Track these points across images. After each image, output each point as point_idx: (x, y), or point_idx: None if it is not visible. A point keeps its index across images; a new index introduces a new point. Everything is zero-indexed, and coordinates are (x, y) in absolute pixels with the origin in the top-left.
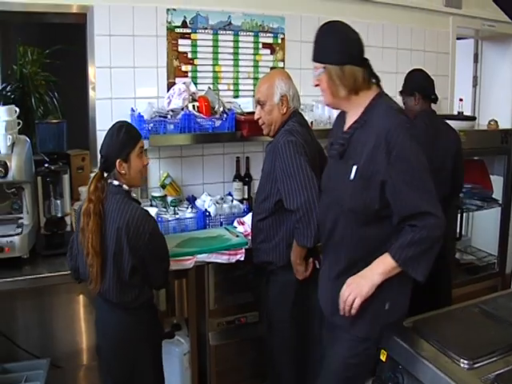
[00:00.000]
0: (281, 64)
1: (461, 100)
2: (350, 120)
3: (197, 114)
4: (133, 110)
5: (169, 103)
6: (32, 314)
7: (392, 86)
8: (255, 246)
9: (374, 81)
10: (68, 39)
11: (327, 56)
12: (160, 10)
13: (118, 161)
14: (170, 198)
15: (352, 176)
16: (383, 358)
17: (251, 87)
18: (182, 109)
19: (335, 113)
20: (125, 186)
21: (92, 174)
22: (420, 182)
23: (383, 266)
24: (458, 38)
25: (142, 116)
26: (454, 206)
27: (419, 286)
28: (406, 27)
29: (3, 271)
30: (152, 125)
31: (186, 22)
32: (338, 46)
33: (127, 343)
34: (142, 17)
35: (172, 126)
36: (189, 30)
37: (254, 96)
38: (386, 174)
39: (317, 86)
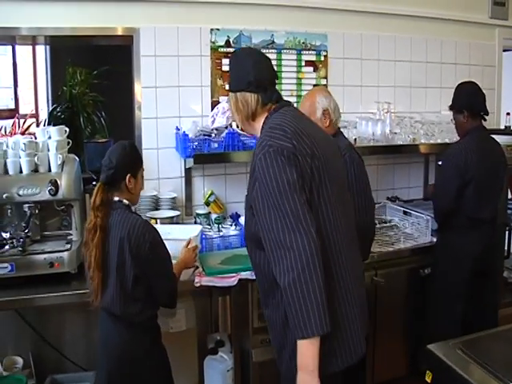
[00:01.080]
0: (324, 81)
1: (508, 114)
2: None
3: (240, 132)
4: (178, 128)
5: (213, 122)
6: (79, 328)
7: (436, 102)
8: None
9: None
10: (114, 60)
11: (229, 84)
12: (204, 31)
13: (128, 175)
14: (214, 216)
15: (244, 204)
16: (428, 379)
17: (294, 105)
18: (226, 127)
19: (379, 129)
20: (125, 201)
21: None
22: (278, 207)
23: (300, 356)
24: (504, 50)
25: (187, 134)
26: (502, 223)
27: (465, 306)
28: (450, 41)
29: (53, 286)
30: (196, 143)
31: (229, 42)
32: (233, 74)
33: (127, 358)
34: (186, 37)
35: (216, 145)
36: (232, 49)
37: None
38: (252, 198)
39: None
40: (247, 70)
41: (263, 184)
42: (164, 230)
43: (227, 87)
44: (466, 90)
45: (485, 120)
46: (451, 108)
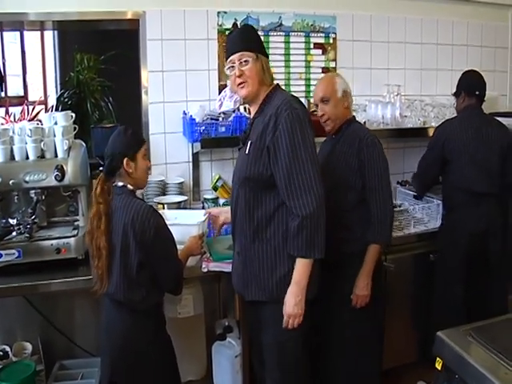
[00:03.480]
0: (332, 64)
1: None
2: (253, 110)
3: (248, 116)
4: (185, 113)
5: (220, 106)
6: (88, 313)
7: (447, 84)
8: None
9: None
10: (122, 45)
11: (259, 46)
12: (211, 13)
13: (125, 159)
14: (221, 201)
15: (247, 150)
16: (439, 366)
17: (303, 88)
18: (234, 111)
19: (389, 112)
20: (129, 186)
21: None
22: (301, 156)
23: (297, 273)
24: None
25: (194, 119)
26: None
27: (470, 291)
28: (462, 22)
29: (60, 271)
30: (204, 127)
31: (236, 25)
32: (261, 42)
33: (130, 345)
34: (193, 20)
35: (223, 129)
36: None
37: (306, 97)
38: (270, 141)
39: (240, 76)
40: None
41: (289, 136)
42: (171, 215)
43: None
44: (466, 75)
45: (481, 101)
46: (454, 95)
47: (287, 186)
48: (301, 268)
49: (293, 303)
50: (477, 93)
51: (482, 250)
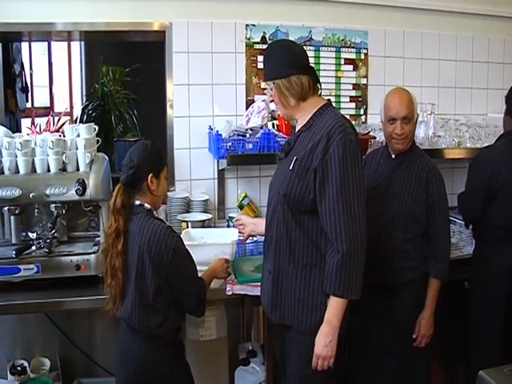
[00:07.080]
0: (364, 80)
1: None
2: (298, 125)
3: (276, 132)
4: (211, 128)
5: (247, 121)
6: (108, 331)
7: (482, 103)
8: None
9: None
10: (148, 57)
11: (273, 73)
12: (239, 26)
13: (150, 175)
14: None
15: (291, 166)
16: None
17: (333, 105)
18: (262, 127)
19: (422, 132)
20: (146, 205)
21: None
22: (350, 185)
23: (330, 312)
24: None
25: (220, 134)
26: None
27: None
28: (498, 38)
29: (80, 289)
30: (230, 144)
31: (265, 38)
32: (282, 61)
33: (146, 373)
34: (220, 33)
35: (251, 145)
36: None
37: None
38: (319, 164)
39: (272, 101)
40: (297, 55)
41: (339, 163)
42: (196, 234)
43: (262, 85)
44: None
45: None
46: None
47: (331, 216)
48: (335, 307)
49: (323, 344)
50: None
51: None
